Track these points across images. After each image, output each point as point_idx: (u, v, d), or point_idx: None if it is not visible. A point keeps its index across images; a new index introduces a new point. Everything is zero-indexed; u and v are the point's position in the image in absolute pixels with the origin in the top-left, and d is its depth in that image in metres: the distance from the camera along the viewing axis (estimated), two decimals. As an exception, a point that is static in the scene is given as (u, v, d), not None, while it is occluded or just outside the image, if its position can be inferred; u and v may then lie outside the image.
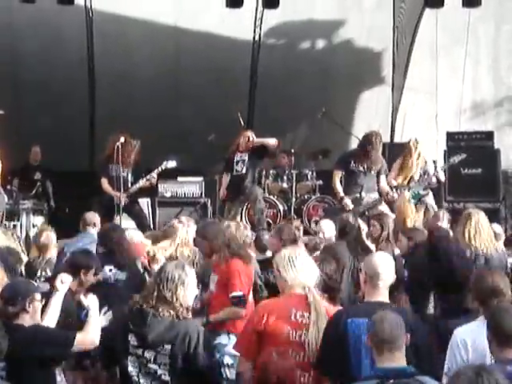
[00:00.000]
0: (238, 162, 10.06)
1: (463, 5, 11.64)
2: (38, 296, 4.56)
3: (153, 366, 4.40)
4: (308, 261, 4.77)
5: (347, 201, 9.04)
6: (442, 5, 11.73)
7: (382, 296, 4.45)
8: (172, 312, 4.45)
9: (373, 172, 9.22)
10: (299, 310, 4.52)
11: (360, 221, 7.48)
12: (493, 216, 8.90)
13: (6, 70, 13.10)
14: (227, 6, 12.09)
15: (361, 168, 9.18)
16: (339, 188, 9.26)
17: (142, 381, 4.42)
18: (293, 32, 13.42)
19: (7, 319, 4.45)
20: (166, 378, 4.41)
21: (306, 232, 9.78)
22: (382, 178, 9.31)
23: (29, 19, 12.75)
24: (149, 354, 4.42)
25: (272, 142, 10.01)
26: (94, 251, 6.54)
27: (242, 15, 12.67)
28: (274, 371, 3.99)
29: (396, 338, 3.82)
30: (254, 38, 13.27)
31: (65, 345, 4.49)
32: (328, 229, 7.77)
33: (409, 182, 9.26)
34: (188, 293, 4.53)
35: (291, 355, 4.44)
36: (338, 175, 9.32)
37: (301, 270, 4.65)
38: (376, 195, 9.24)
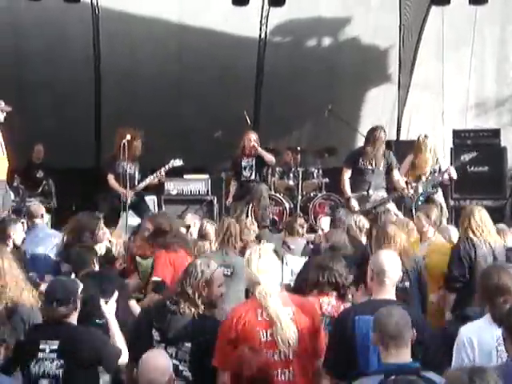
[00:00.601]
0: (245, 168, 10.13)
1: (470, 2, 11.64)
2: (80, 291, 4.58)
3: (175, 362, 4.36)
4: (269, 260, 4.51)
5: (354, 202, 8.99)
6: (449, 2, 11.72)
7: (389, 293, 4.46)
8: (193, 309, 4.45)
9: (381, 168, 9.14)
10: (264, 309, 4.36)
11: (362, 218, 7.50)
12: (498, 214, 8.89)
13: (10, 70, 13.06)
14: (233, 3, 12.09)
15: (369, 165, 9.12)
16: (347, 188, 9.18)
17: None
18: (299, 30, 13.39)
19: (57, 318, 4.43)
20: (187, 373, 4.41)
21: (312, 230, 9.81)
22: (395, 172, 9.19)
23: (34, 18, 12.73)
24: (171, 350, 4.42)
25: (271, 158, 10.17)
26: (51, 242, 6.80)
27: (247, 13, 12.64)
28: (249, 369, 3.86)
29: (402, 333, 3.81)
30: (259, 35, 13.25)
31: (117, 357, 4.47)
32: (328, 226, 7.92)
33: (419, 179, 9.19)
34: (211, 290, 4.52)
35: (268, 355, 4.27)
36: (346, 174, 9.23)
37: (260, 269, 4.42)
38: (384, 193, 9.18)
